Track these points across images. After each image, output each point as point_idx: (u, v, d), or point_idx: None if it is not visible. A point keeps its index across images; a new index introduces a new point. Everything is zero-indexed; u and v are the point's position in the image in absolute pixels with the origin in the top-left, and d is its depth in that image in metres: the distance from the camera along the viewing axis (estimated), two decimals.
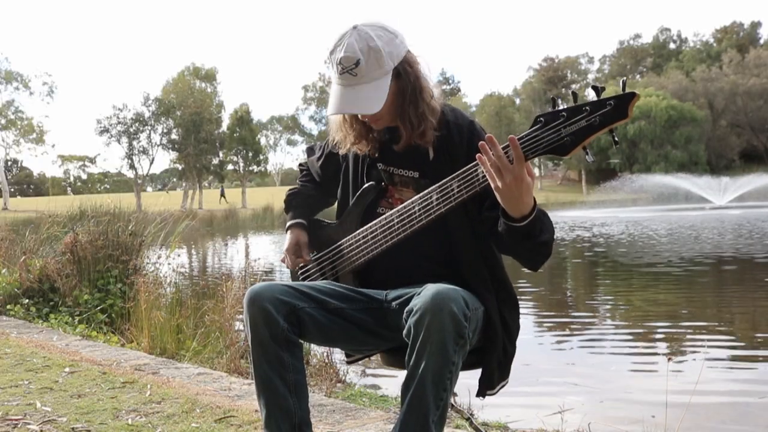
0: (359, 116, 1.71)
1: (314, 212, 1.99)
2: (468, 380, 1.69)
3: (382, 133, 1.75)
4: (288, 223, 1.95)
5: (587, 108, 1.39)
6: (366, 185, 1.78)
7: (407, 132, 1.66)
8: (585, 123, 1.39)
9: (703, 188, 35.08)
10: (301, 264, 1.92)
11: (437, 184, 1.59)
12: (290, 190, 2.03)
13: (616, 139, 1.43)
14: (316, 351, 3.93)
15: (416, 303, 1.44)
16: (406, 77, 1.63)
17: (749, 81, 56.73)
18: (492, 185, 1.44)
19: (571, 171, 65.92)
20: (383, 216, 1.70)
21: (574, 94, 1.43)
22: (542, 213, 1.52)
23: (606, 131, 1.40)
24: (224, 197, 48.37)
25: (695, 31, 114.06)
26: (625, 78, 1.41)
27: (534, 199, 1.47)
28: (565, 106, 1.42)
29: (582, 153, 1.44)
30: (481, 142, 1.44)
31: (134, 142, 46.70)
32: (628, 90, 1.37)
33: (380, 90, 1.58)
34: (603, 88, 1.40)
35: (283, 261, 1.94)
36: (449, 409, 1.51)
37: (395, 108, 1.65)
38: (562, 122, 1.41)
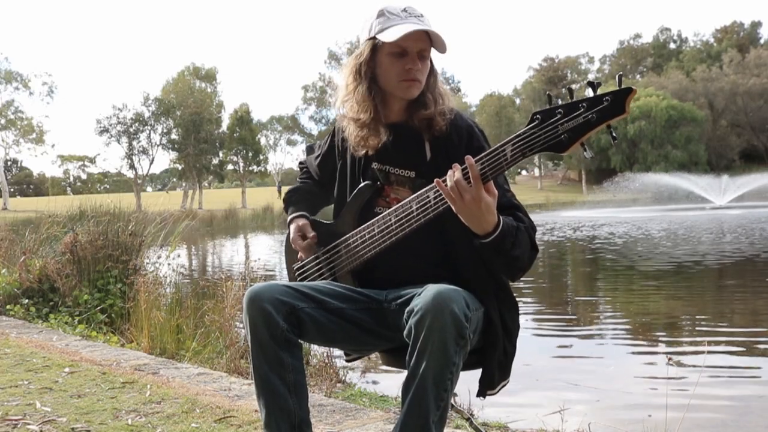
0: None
1: (314, 207, 2.00)
2: (468, 380, 1.69)
3: (386, 133, 1.74)
4: (288, 218, 1.95)
5: (584, 104, 1.39)
6: (362, 184, 1.77)
7: (433, 105, 1.69)
8: (582, 119, 1.39)
9: (704, 188, 34.99)
10: (311, 242, 1.89)
11: (434, 184, 1.58)
12: (289, 189, 2.04)
13: (615, 135, 1.43)
14: (316, 351, 3.93)
15: (417, 303, 1.44)
16: (432, 62, 1.72)
17: (749, 81, 56.64)
18: (453, 207, 1.49)
19: (571, 171, 65.89)
20: (380, 216, 1.70)
21: (570, 91, 1.43)
22: (515, 229, 1.55)
23: (603, 127, 1.39)
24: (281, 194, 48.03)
25: (695, 31, 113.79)
26: (620, 73, 1.40)
27: (499, 217, 1.51)
28: (562, 103, 1.42)
29: (580, 150, 1.44)
30: (454, 164, 1.49)
31: (134, 142, 46.77)
32: (624, 86, 1.36)
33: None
34: (599, 84, 1.40)
35: (299, 255, 1.93)
36: (449, 410, 1.51)
37: (427, 80, 1.71)
38: (558, 119, 1.41)
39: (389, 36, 1.61)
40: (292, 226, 1.92)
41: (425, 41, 1.65)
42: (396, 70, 1.66)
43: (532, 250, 1.60)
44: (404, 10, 1.65)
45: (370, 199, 1.77)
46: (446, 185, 1.49)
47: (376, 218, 1.71)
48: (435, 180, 1.51)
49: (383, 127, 1.73)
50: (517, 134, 1.45)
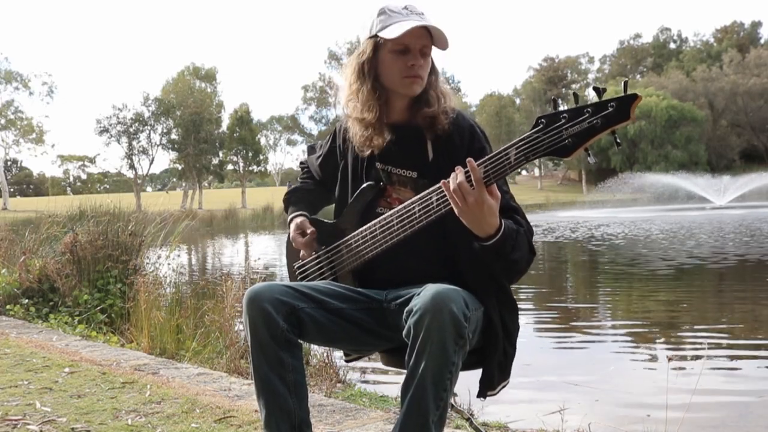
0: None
1: (314, 207, 1.99)
2: (468, 380, 1.69)
3: (389, 133, 1.74)
4: (288, 217, 1.95)
5: (589, 110, 1.39)
6: (365, 184, 1.77)
7: (436, 103, 1.69)
8: (587, 125, 1.39)
9: (704, 188, 35.00)
10: (311, 238, 1.89)
11: (437, 186, 1.59)
12: (288, 189, 2.04)
13: (618, 140, 1.43)
14: (316, 351, 3.93)
15: (416, 303, 1.44)
16: (433, 61, 1.73)
17: (749, 81, 56.63)
18: (455, 210, 1.49)
19: (571, 171, 65.88)
20: (382, 216, 1.70)
21: (576, 96, 1.43)
22: (515, 233, 1.55)
23: (608, 133, 1.40)
24: None
25: (695, 30, 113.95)
26: (626, 79, 1.41)
27: (501, 220, 1.51)
28: (567, 108, 1.42)
29: (583, 154, 1.44)
30: (457, 166, 1.49)
31: (134, 142, 46.83)
32: (630, 91, 1.36)
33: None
34: (604, 90, 1.40)
35: (300, 254, 1.92)
36: (449, 410, 1.51)
37: (429, 78, 1.71)
38: (563, 124, 1.41)
39: (391, 33, 1.62)
40: (292, 225, 1.92)
41: (427, 38, 1.66)
42: (398, 66, 1.67)
43: (530, 253, 1.61)
44: (405, 7, 1.66)
45: (372, 199, 1.77)
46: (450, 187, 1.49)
47: (379, 218, 1.71)
48: (441, 181, 1.51)
49: (386, 126, 1.74)
50: (522, 138, 1.45)
